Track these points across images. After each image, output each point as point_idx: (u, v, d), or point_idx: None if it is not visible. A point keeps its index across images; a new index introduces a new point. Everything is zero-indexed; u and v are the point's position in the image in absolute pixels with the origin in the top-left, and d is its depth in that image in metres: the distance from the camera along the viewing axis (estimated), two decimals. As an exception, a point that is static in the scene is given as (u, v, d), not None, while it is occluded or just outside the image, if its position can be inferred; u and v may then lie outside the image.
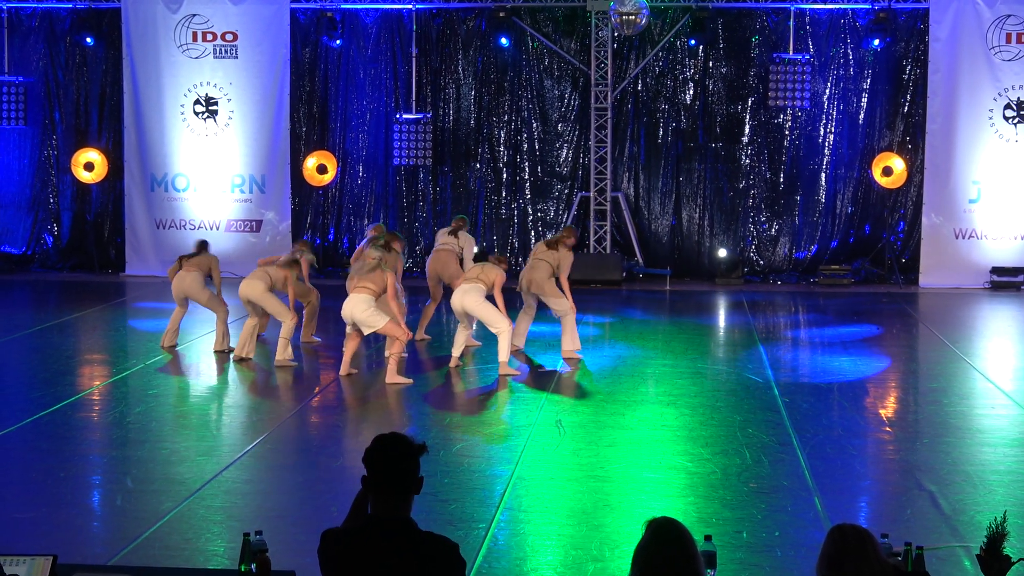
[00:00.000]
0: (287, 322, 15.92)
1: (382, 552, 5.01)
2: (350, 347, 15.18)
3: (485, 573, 8.59)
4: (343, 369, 15.15)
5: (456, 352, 15.83)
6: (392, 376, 14.76)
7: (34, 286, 23.71)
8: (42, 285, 23.84)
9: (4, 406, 13.57)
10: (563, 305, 16.09)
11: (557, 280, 16.28)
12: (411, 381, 14.81)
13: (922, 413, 13.69)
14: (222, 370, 16.23)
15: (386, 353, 15.33)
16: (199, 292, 16.78)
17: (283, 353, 15.81)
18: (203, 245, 17.33)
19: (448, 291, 17.05)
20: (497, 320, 15.21)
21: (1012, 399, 14.24)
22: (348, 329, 15.13)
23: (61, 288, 23.58)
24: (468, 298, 15.34)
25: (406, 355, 15.66)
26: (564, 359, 16.09)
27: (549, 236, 18.83)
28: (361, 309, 14.73)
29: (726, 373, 15.68)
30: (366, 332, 15.01)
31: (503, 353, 15.22)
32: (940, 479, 10.98)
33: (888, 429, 12.96)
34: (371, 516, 5.12)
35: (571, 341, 16.26)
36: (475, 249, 18.06)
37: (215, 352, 16.59)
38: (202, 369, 16.39)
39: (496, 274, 15.49)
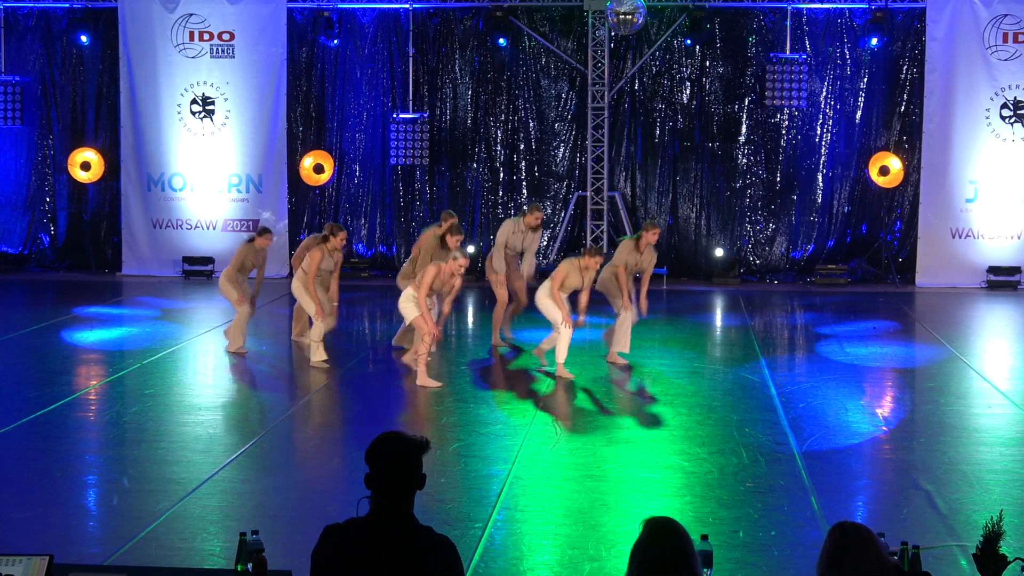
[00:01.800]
0: (319, 323, 15.67)
1: (382, 548, 5.01)
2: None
3: (482, 572, 8.59)
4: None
5: (543, 344, 15.62)
6: (422, 378, 14.54)
7: (30, 286, 23.68)
8: (38, 285, 23.82)
9: (0, 406, 13.57)
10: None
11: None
12: (441, 384, 14.63)
13: (919, 412, 13.69)
14: (218, 369, 16.24)
15: (412, 350, 15.16)
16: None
17: (316, 355, 15.60)
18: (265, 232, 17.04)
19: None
20: (555, 319, 15.11)
21: (1008, 398, 14.24)
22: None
23: (57, 287, 23.55)
24: (538, 295, 15.38)
25: (430, 357, 15.24)
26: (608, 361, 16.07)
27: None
28: (402, 299, 14.85)
29: (723, 372, 15.68)
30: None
31: (559, 354, 15.06)
32: (937, 478, 10.99)
33: (885, 428, 12.96)
34: (372, 512, 5.12)
35: (622, 344, 16.05)
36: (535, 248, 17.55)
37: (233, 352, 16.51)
38: (198, 368, 16.39)
39: (564, 269, 15.18)
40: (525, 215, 17.10)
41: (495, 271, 17.02)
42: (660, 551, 4.90)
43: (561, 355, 15.05)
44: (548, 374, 15.24)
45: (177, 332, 18.05)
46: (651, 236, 15.92)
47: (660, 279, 23.53)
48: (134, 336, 18.00)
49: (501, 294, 17.04)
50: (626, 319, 15.88)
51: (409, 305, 14.70)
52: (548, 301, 15.16)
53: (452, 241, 15.90)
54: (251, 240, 16.68)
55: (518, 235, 17.08)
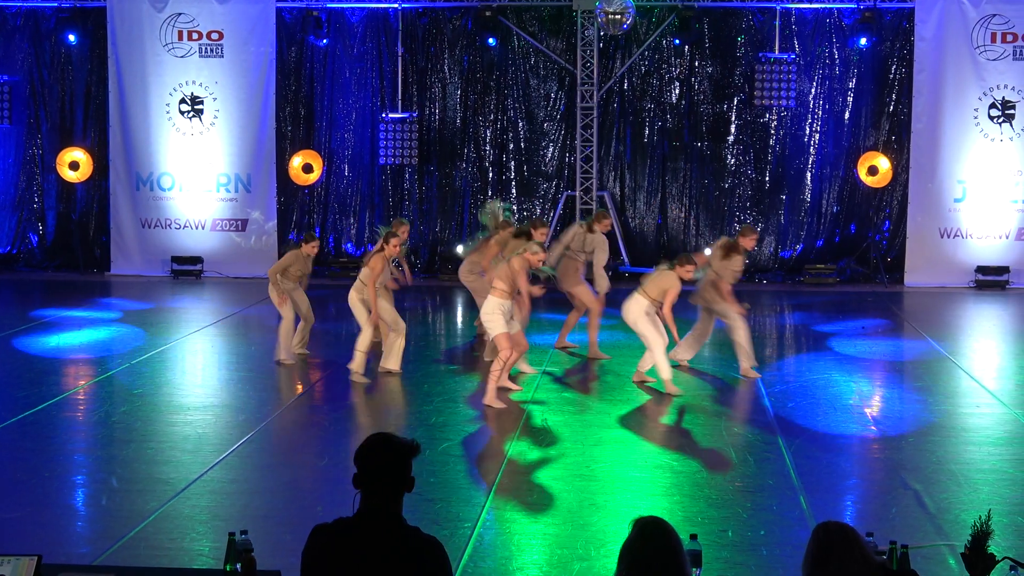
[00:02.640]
0: (364, 334, 14.95)
1: (370, 547, 5.02)
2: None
3: (471, 572, 8.59)
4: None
5: (640, 366, 14.87)
6: (490, 396, 13.65)
7: (19, 285, 23.64)
8: (27, 284, 23.78)
9: (-11, 406, 13.55)
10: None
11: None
12: (504, 406, 13.73)
13: (907, 412, 13.71)
14: (207, 369, 16.22)
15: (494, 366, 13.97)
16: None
17: (356, 365, 14.92)
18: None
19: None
20: (648, 335, 14.37)
21: (997, 398, 14.27)
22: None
23: (46, 287, 23.51)
24: (627, 309, 14.54)
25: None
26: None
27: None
28: (485, 313, 13.97)
29: (712, 372, 15.68)
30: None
31: (661, 371, 14.31)
32: (925, 478, 11.00)
33: (873, 428, 12.97)
34: (360, 512, 5.12)
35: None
36: (605, 255, 16.68)
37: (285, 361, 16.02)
38: (187, 368, 16.37)
39: (669, 283, 14.25)
40: (592, 225, 16.41)
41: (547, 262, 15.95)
42: (649, 551, 4.90)
43: (665, 372, 14.30)
44: (531, 375, 15.23)
45: (166, 332, 18.01)
46: (749, 242, 15.47)
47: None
48: (123, 336, 17.96)
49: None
50: (738, 328, 15.30)
51: (494, 318, 13.69)
52: (645, 319, 14.34)
53: (539, 234, 15.30)
54: (298, 246, 16.13)
55: (579, 238, 16.40)
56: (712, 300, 15.40)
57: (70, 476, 11.18)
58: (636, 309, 14.36)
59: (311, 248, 15.97)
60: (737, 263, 15.28)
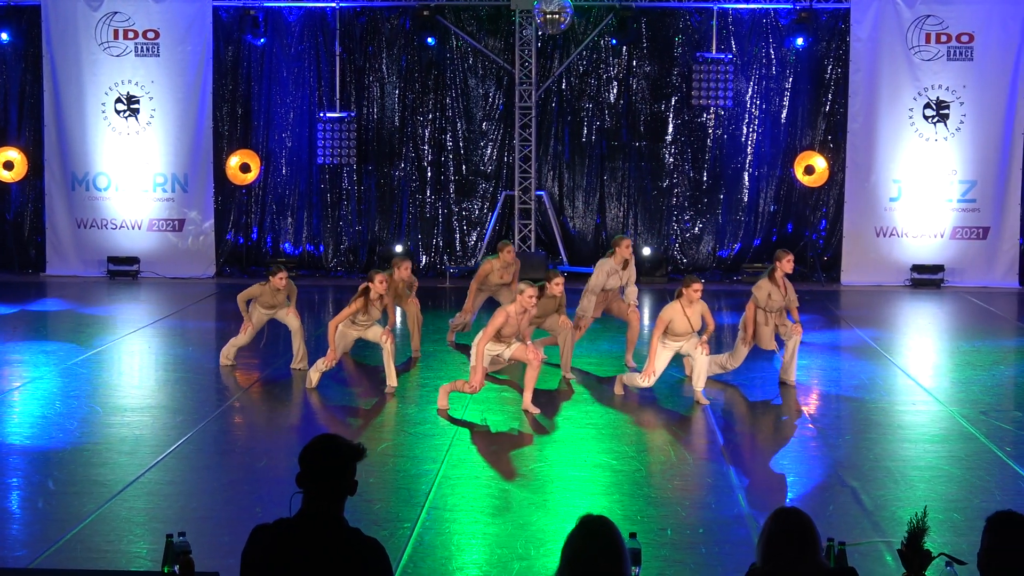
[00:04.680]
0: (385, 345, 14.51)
1: (311, 549, 5.02)
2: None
3: (411, 572, 8.58)
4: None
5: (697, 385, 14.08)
6: (526, 402, 13.46)
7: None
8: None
9: (-78, 408, 13.41)
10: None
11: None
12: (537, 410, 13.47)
13: (844, 410, 13.80)
14: (143, 371, 16.12)
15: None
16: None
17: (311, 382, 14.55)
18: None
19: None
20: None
21: (932, 395, 14.39)
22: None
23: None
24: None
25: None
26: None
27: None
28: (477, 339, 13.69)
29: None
30: None
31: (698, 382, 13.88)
32: (862, 475, 11.08)
33: (811, 426, 13.05)
34: (301, 512, 5.12)
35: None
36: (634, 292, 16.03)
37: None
38: (123, 369, 16.26)
39: (669, 313, 13.72)
40: (613, 252, 15.77)
41: (583, 314, 15.74)
42: (589, 547, 4.92)
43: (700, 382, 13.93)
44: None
45: (102, 333, 17.86)
46: (787, 265, 14.78)
47: (587, 278, 23.54)
48: (58, 337, 17.82)
49: (580, 327, 15.75)
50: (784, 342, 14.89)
51: (477, 350, 13.33)
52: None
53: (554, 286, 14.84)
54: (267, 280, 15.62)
55: (615, 277, 15.72)
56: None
57: (5, 478, 11.05)
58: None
59: (279, 281, 15.45)
60: (776, 293, 14.76)
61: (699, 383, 13.86)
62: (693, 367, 14.05)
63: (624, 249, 15.67)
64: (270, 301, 15.57)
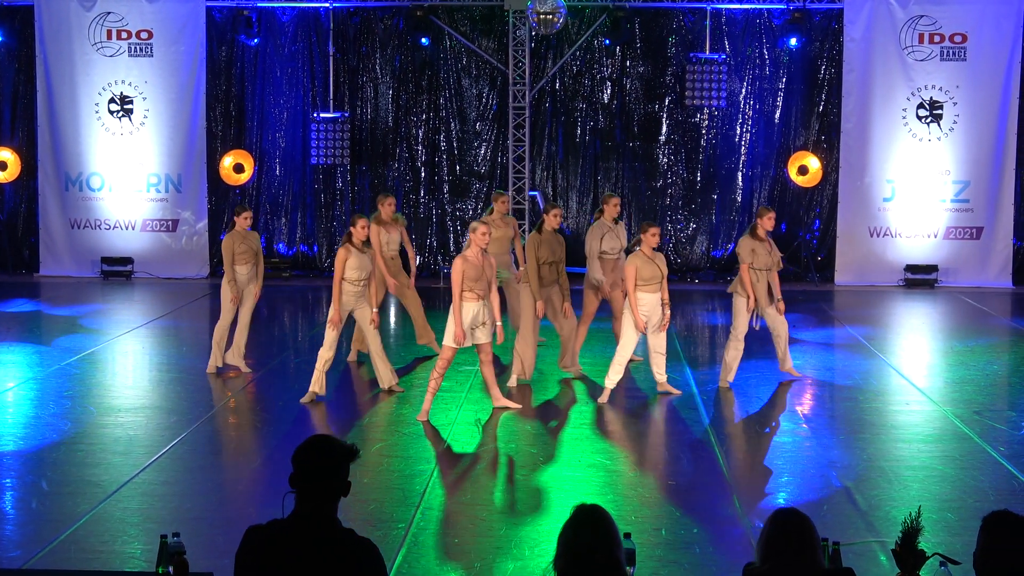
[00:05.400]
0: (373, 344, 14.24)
1: (304, 549, 5.01)
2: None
3: (405, 573, 8.58)
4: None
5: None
6: (496, 400, 13.54)
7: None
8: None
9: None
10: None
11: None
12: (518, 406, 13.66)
13: (838, 410, 13.82)
14: (137, 371, 16.11)
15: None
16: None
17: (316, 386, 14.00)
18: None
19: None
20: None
21: (926, 395, 14.40)
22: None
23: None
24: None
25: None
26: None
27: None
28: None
29: (644, 371, 15.70)
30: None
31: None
32: (856, 475, 11.10)
33: (805, 426, 13.06)
34: (295, 513, 5.11)
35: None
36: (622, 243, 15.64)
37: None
38: (117, 370, 16.25)
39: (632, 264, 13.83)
40: (602, 210, 15.57)
41: (595, 283, 15.60)
42: (582, 534, 4.95)
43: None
44: (465, 374, 15.21)
45: (96, 333, 17.85)
46: (767, 223, 14.81)
47: (582, 278, 23.54)
48: (51, 338, 17.80)
49: (603, 293, 15.60)
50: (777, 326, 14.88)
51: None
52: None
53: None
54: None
55: (610, 236, 15.44)
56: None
57: (-1, 479, 11.07)
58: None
59: (244, 221, 15.07)
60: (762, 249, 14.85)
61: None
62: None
63: (612, 207, 15.48)
64: (244, 247, 15.02)
